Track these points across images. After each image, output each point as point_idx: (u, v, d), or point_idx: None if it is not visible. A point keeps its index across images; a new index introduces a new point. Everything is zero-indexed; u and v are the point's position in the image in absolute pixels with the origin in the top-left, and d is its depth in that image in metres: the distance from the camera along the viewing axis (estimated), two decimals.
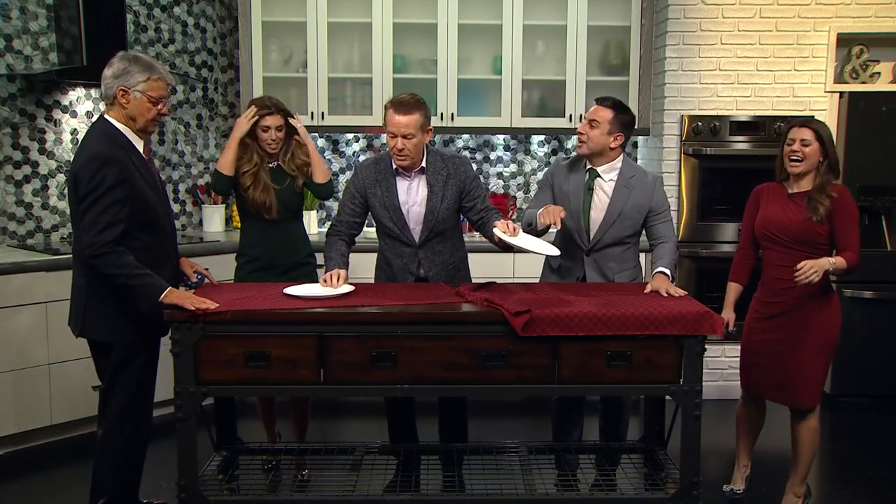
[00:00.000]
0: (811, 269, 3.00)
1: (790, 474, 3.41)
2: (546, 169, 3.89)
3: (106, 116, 2.87)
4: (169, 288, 2.78)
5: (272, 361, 2.79)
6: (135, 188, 2.80)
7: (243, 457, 3.39)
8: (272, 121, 3.45)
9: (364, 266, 4.76)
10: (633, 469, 3.33)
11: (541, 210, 3.21)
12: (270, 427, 3.80)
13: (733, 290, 3.44)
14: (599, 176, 3.37)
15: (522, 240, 3.09)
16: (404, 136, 3.18)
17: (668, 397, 2.98)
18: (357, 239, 5.05)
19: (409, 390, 2.89)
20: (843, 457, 4.17)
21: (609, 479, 3.27)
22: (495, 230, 3.12)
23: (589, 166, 3.38)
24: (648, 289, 3.13)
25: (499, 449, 3.45)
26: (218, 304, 2.76)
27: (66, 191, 4.71)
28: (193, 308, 2.71)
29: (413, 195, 3.33)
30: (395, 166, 3.32)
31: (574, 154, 3.52)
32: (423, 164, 3.32)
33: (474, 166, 5.48)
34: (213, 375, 2.81)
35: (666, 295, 3.05)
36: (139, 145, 2.88)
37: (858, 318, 4.89)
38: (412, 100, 3.23)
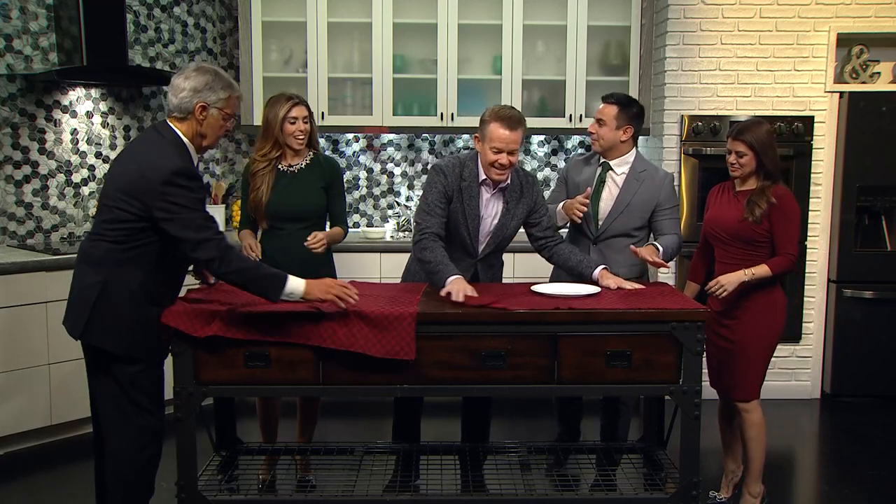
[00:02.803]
0: (720, 287, 3.20)
1: (744, 473, 3.41)
2: (562, 166, 3.96)
3: (172, 126, 2.74)
4: (290, 277, 2.72)
5: (272, 361, 2.79)
6: None
7: (243, 457, 3.39)
8: (299, 111, 3.42)
9: (362, 266, 4.78)
10: (632, 469, 3.34)
11: (558, 208, 3.47)
12: (270, 434, 3.71)
13: (689, 288, 3.52)
14: (612, 169, 3.51)
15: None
16: (510, 153, 3.13)
17: (667, 397, 2.98)
18: (356, 239, 5.07)
19: (408, 390, 2.89)
20: (843, 457, 4.17)
21: (609, 480, 3.27)
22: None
23: (602, 160, 3.54)
24: (635, 251, 3.26)
25: (499, 449, 3.45)
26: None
27: (65, 190, 4.72)
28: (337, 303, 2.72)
29: (490, 209, 3.30)
30: (482, 177, 3.24)
31: (590, 151, 3.66)
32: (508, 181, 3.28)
33: None
34: (213, 375, 2.81)
35: (650, 261, 3.23)
36: (195, 161, 2.78)
37: (858, 318, 4.90)
38: (518, 115, 3.16)
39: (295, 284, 2.71)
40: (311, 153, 3.53)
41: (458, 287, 2.93)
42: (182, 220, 2.60)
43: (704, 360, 3.43)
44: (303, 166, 3.50)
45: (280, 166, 3.48)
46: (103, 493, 2.92)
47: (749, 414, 3.31)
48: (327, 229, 3.57)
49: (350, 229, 5.48)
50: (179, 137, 2.71)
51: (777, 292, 3.30)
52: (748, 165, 3.23)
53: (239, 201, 4.07)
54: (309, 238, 3.38)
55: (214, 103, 2.71)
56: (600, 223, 3.49)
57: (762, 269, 3.19)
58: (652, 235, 3.54)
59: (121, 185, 2.65)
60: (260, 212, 3.47)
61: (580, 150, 5.52)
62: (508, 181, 3.26)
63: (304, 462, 3.52)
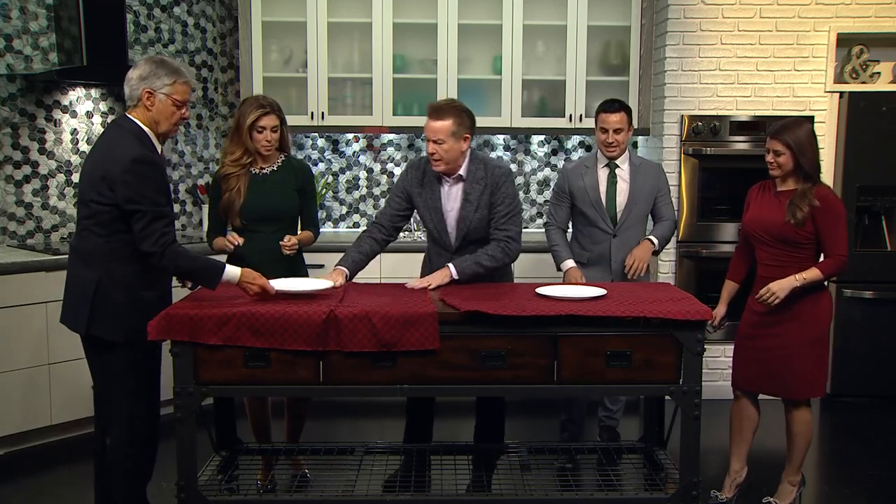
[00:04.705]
0: (771, 294, 3.18)
1: (785, 464, 3.42)
2: (557, 177, 4.15)
3: (130, 116, 2.86)
4: (227, 266, 2.91)
5: (272, 361, 2.79)
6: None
7: (243, 457, 3.39)
8: (268, 121, 3.36)
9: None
10: (632, 469, 3.33)
11: (566, 269, 3.80)
12: (263, 435, 3.70)
13: (727, 287, 3.52)
14: (619, 166, 3.84)
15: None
16: (434, 141, 3.18)
17: (667, 397, 2.98)
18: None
19: (408, 390, 2.89)
20: (843, 457, 4.17)
21: (609, 480, 3.27)
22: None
23: (606, 161, 3.84)
24: (628, 260, 3.67)
25: (499, 449, 3.45)
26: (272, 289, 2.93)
27: (65, 190, 4.72)
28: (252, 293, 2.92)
29: (452, 201, 3.34)
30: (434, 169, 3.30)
31: (580, 156, 3.97)
32: (463, 171, 3.30)
33: None
34: (213, 375, 2.81)
35: (634, 268, 3.60)
36: (158, 148, 2.89)
37: (858, 318, 4.89)
38: (447, 105, 3.23)
39: (231, 274, 2.90)
40: (282, 157, 3.51)
41: (330, 275, 3.19)
42: (140, 211, 2.73)
43: (731, 359, 3.49)
44: (275, 169, 3.47)
45: (252, 170, 3.45)
46: (102, 487, 3.01)
47: (799, 412, 3.33)
48: (299, 231, 3.60)
49: (350, 229, 5.51)
50: (138, 126, 2.84)
51: (824, 294, 3.29)
52: (786, 165, 3.22)
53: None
54: (284, 240, 3.41)
55: (160, 89, 2.83)
56: (619, 216, 3.81)
57: (813, 273, 3.17)
58: (653, 223, 3.92)
59: (90, 180, 2.79)
60: (233, 211, 3.42)
61: (580, 153, 5.51)
62: (462, 172, 3.30)
63: (295, 460, 3.51)
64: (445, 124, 3.18)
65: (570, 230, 4.01)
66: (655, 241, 3.77)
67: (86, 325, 2.82)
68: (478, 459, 3.37)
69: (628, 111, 3.78)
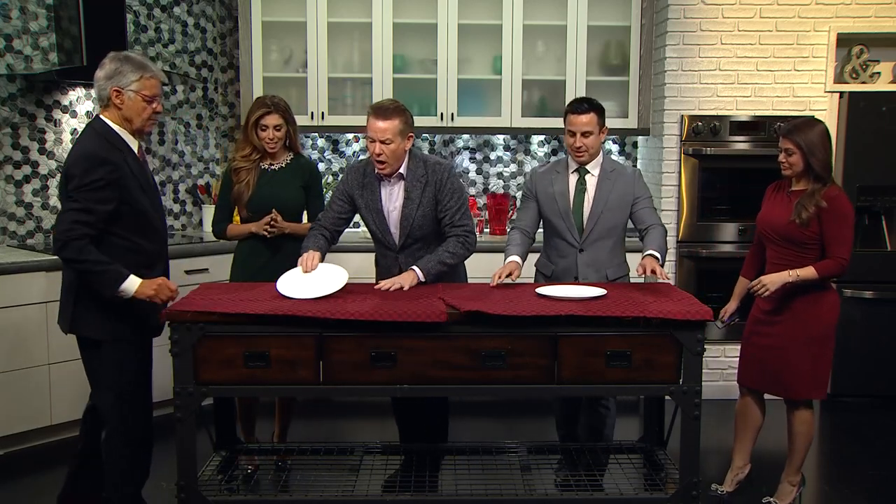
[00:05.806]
0: (762, 286, 3.21)
1: (786, 464, 3.43)
2: (524, 181, 3.86)
3: (101, 117, 2.86)
4: (131, 276, 2.76)
5: (271, 361, 2.80)
6: (126, 190, 2.78)
7: (243, 457, 3.39)
8: (270, 120, 3.52)
9: (361, 266, 4.77)
10: (632, 469, 3.33)
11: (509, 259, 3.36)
12: (249, 433, 3.75)
13: (741, 284, 3.54)
14: (589, 172, 3.48)
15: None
16: (382, 142, 3.17)
17: (667, 397, 2.98)
18: (356, 239, 5.09)
19: (408, 390, 2.89)
20: (843, 457, 4.17)
21: (609, 480, 3.27)
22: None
23: (576, 167, 3.48)
24: (639, 268, 3.10)
25: (499, 449, 3.45)
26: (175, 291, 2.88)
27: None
28: (161, 300, 2.81)
29: (393, 200, 3.35)
30: (377, 171, 3.30)
31: (551, 160, 3.72)
32: (403, 170, 3.31)
33: (474, 166, 5.49)
34: (213, 375, 2.81)
35: (651, 272, 3.06)
36: (134, 146, 2.88)
37: (858, 318, 4.89)
38: (392, 105, 3.22)
39: (130, 284, 2.76)
40: (290, 155, 3.66)
41: (304, 257, 3.18)
42: (72, 198, 2.70)
43: (738, 358, 3.48)
44: (283, 166, 3.63)
45: (262, 165, 3.61)
46: (92, 486, 3.02)
47: (800, 411, 3.33)
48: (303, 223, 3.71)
49: (350, 229, 5.49)
50: (108, 126, 2.83)
51: (828, 295, 3.28)
52: (796, 165, 3.23)
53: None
54: (271, 215, 3.50)
55: (128, 86, 2.81)
56: (585, 226, 3.43)
57: (807, 272, 3.17)
58: (637, 231, 3.48)
59: (61, 182, 2.81)
60: (241, 202, 3.59)
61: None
62: (402, 171, 3.30)
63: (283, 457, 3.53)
64: (393, 124, 3.17)
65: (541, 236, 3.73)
66: (657, 254, 3.21)
67: (69, 323, 2.85)
68: (410, 460, 3.35)
69: (600, 111, 3.39)
